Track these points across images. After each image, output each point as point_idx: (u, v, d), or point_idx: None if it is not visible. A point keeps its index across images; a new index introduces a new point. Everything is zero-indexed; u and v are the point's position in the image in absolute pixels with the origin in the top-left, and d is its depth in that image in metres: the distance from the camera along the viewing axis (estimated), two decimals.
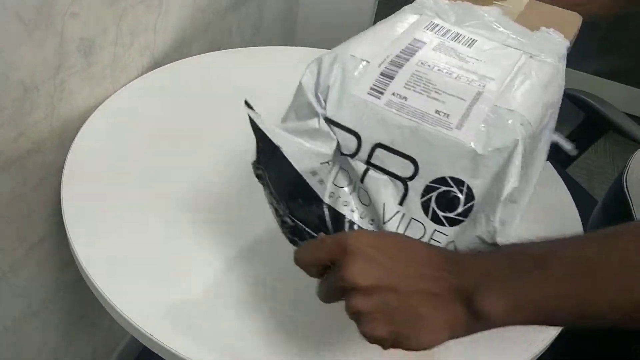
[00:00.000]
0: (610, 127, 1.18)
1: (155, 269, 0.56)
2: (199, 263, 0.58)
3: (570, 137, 1.29)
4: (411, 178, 0.42)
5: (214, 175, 0.69)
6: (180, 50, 0.95)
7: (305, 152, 0.43)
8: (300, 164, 0.42)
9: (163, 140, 0.73)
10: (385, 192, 0.43)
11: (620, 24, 2.19)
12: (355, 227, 0.44)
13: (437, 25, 0.50)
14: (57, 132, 0.70)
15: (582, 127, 1.27)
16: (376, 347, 0.37)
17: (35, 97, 0.64)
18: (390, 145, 0.42)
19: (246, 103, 0.44)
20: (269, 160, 0.44)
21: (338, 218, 0.44)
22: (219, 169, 0.70)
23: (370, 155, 0.43)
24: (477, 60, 0.46)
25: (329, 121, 0.43)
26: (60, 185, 0.64)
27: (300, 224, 0.45)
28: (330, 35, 1.65)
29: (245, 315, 0.53)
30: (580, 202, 0.73)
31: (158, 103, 0.79)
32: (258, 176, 0.47)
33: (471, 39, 0.49)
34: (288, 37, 1.59)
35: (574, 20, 0.58)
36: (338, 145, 0.44)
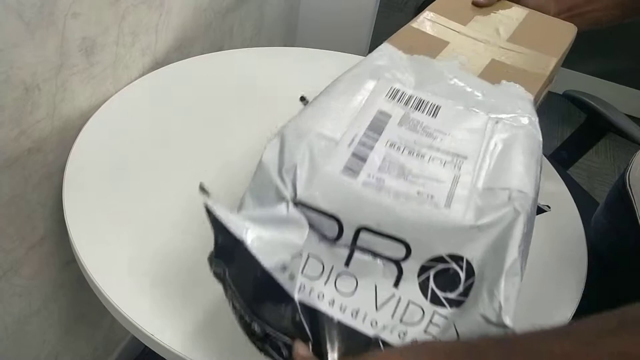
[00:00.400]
0: (611, 129, 1.18)
1: (156, 269, 0.56)
2: (201, 263, 0.58)
3: (571, 139, 1.29)
4: (404, 259, 0.38)
5: (216, 174, 0.69)
6: (181, 50, 0.95)
7: (273, 245, 0.38)
8: (268, 260, 0.37)
9: (164, 141, 0.73)
10: (375, 274, 0.39)
11: (621, 25, 2.19)
12: (335, 321, 0.38)
13: (398, 91, 0.47)
14: (58, 132, 0.70)
15: (583, 129, 1.27)
16: None
17: (36, 96, 0.64)
18: (377, 229, 0.37)
19: (201, 188, 0.40)
20: (230, 257, 0.39)
21: (315, 315, 0.38)
22: (221, 168, 0.70)
23: (355, 240, 0.38)
24: (445, 134, 0.43)
25: (301, 204, 0.38)
26: (61, 185, 0.64)
27: (271, 329, 0.38)
28: (331, 35, 1.65)
29: None
30: (580, 203, 0.73)
31: (159, 103, 0.79)
32: (216, 274, 0.41)
33: (435, 105, 0.46)
34: (289, 37, 1.59)
35: (569, 32, 0.58)
36: (310, 232, 0.39)
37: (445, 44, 0.55)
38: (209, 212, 0.39)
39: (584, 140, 1.28)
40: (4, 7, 0.55)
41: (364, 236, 0.38)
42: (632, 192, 0.68)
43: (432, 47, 0.54)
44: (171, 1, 0.85)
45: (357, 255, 0.39)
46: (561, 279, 0.61)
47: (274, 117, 0.82)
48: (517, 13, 0.62)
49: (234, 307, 0.41)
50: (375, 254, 0.38)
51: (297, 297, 0.38)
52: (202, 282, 0.56)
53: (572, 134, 1.29)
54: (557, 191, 0.77)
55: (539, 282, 0.57)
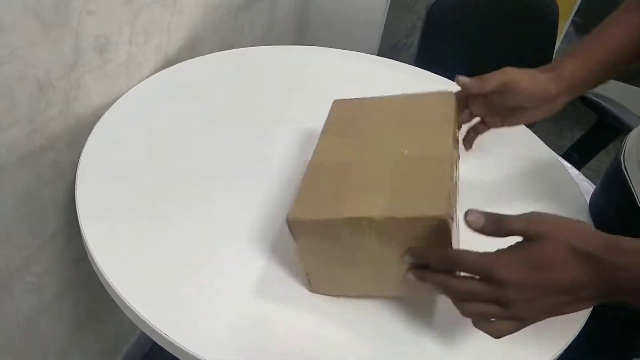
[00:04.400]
0: (624, 130, 1.17)
1: (168, 266, 0.56)
2: (212, 261, 0.58)
3: (582, 140, 1.28)
4: None
5: (227, 172, 0.69)
6: (192, 48, 0.95)
7: None
8: None
9: (176, 138, 0.73)
10: None
11: None
12: None
13: None
14: (71, 129, 0.70)
15: (594, 130, 1.26)
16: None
17: (50, 94, 0.64)
18: None
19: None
20: None
21: None
22: (232, 166, 0.70)
23: None
24: None
25: None
26: (72, 182, 0.64)
27: None
28: (341, 34, 1.65)
29: (260, 316, 0.53)
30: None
31: (171, 101, 0.79)
32: None
33: None
34: (299, 35, 1.59)
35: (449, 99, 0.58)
36: None
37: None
38: None
39: (596, 142, 1.27)
40: (20, 5, 0.55)
41: None
42: (628, 173, 0.68)
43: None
44: (183, 0, 0.85)
45: None
46: None
47: (286, 114, 0.82)
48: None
49: None
50: None
51: None
52: (215, 281, 0.56)
53: (583, 135, 1.28)
54: (570, 194, 0.77)
55: None
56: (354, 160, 0.54)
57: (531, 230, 0.43)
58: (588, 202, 0.75)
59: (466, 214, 0.45)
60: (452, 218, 0.45)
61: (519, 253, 0.43)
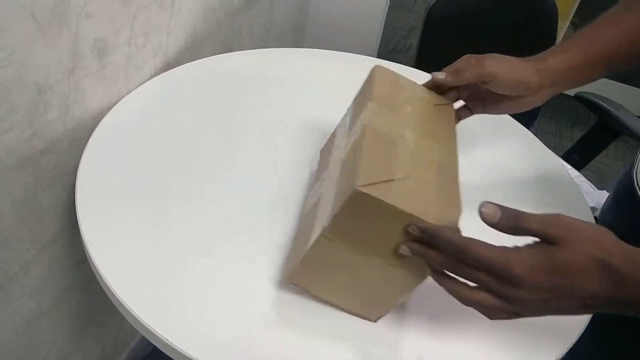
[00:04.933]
0: (624, 131, 1.17)
1: (168, 270, 0.56)
2: (212, 265, 0.58)
3: (582, 141, 1.28)
4: None
5: (227, 176, 0.69)
6: (192, 50, 0.95)
7: None
8: None
9: (176, 141, 0.73)
10: None
11: None
12: None
13: None
14: (70, 133, 0.70)
15: (594, 130, 1.26)
16: None
17: (49, 97, 0.64)
18: None
19: None
20: None
21: None
22: (231, 170, 0.70)
23: None
24: None
25: None
26: (72, 186, 0.64)
27: None
28: (340, 35, 1.65)
29: (260, 320, 0.53)
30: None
31: (171, 104, 0.79)
32: None
33: None
34: (298, 37, 1.59)
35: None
36: None
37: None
38: None
39: (596, 143, 1.27)
40: (18, 6, 0.55)
41: None
42: (639, 190, 0.68)
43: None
44: (182, 1, 0.85)
45: None
46: None
47: (286, 117, 0.82)
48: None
49: None
50: None
51: None
52: (213, 284, 0.56)
53: (584, 136, 1.28)
54: (569, 194, 0.76)
55: None
56: (400, 138, 0.52)
57: (551, 233, 0.42)
58: (589, 203, 0.75)
59: (481, 205, 0.44)
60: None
61: (539, 255, 0.42)
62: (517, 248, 0.43)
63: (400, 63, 1.03)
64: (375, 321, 0.54)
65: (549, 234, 0.42)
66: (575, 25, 2.30)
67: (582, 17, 2.24)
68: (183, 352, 0.49)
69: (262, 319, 0.53)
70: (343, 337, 0.53)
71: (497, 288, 0.43)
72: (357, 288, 0.52)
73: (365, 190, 0.44)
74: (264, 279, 0.57)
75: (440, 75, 0.60)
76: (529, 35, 1.28)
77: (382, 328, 0.54)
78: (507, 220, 0.43)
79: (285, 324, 0.53)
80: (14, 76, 0.58)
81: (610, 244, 0.42)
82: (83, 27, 0.65)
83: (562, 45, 0.62)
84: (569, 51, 0.61)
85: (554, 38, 1.30)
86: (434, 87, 0.61)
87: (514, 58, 0.60)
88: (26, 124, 0.62)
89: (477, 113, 0.65)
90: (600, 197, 1.17)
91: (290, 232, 0.62)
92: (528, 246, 0.43)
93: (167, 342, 0.50)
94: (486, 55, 0.59)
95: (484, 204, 0.44)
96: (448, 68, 0.60)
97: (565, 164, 1.20)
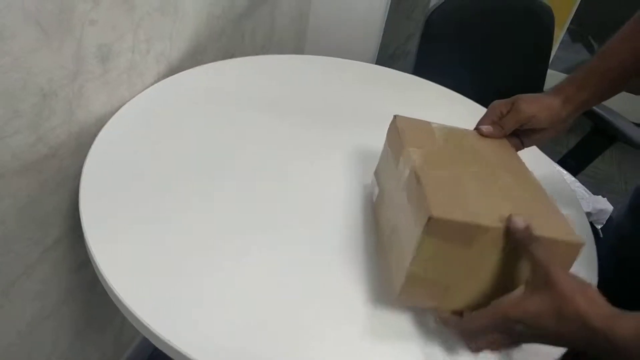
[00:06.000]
0: (619, 137, 1.18)
1: (170, 272, 0.57)
2: (215, 267, 0.58)
3: (578, 147, 1.29)
4: None
5: (229, 181, 0.70)
6: (194, 56, 0.96)
7: None
8: None
9: (179, 146, 0.74)
10: None
11: None
12: None
13: None
14: (74, 138, 0.71)
15: (590, 137, 1.27)
16: None
17: (53, 102, 0.65)
18: None
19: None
20: None
21: None
22: (234, 174, 0.71)
23: None
24: None
25: None
26: (75, 190, 0.65)
27: None
28: (340, 42, 1.66)
29: (262, 322, 0.54)
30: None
31: (174, 109, 0.80)
32: None
33: None
34: (299, 43, 1.60)
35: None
36: None
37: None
38: None
39: (592, 148, 1.28)
40: (23, 13, 0.56)
41: None
42: None
43: None
44: (185, 8, 0.86)
45: None
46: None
47: (286, 122, 0.83)
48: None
49: None
50: None
51: None
52: (216, 287, 0.56)
53: (579, 142, 1.30)
54: (566, 199, 0.77)
55: None
56: (457, 174, 0.54)
57: (544, 269, 0.45)
58: (584, 208, 0.76)
59: (510, 217, 0.47)
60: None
61: (536, 297, 0.45)
62: (507, 296, 0.47)
63: (399, 69, 1.04)
64: None
65: (541, 270, 0.46)
66: (572, 31, 2.32)
67: (579, 24, 2.26)
68: (185, 354, 0.50)
69: (265, 321, 0.54)
70: (342, 338, 0.54)
71: (498, 328, 0.47)
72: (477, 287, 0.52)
73: (438, 216, 0.46)
74: (267, 281, 0.57)
75: (487, 129, 0.65)
76: (526, 42, 1.30)
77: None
78: (525, 232, 0.47)
79: (288, 325, 0.54)
80: (19, 81, 0.59)
81: (595, 303, 0.44)
82: (87, 33, 0.66)
83: (582, 73, 0.66)
84: (589, 79, 0.65)
85: (551, 45, 1.32)
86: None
87: (540, 95, 0.66)
88: (31, 129, 0.63)
89: (517, 150, 0.68)
90: (596, 203, 1.18)
91: (292, 235, 0.63)
92: (519, 290, 0.47)
93: (170, 344, 0.51)
94: (517, 100, 0.65)
95: (513, 216, 0.48)
96: (486, 119, 0.66)
97: (561, 169, 1.21)
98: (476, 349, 0.50)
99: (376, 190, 0.67)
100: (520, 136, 0.67)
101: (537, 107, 0.64)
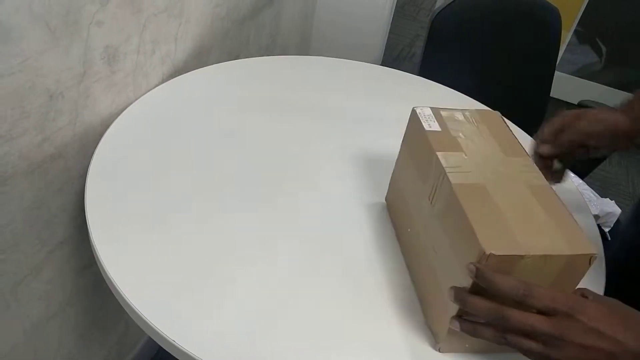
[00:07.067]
0: None
1: (176, 273, 0.57)
2: (220, 267, 0.58)
3: None
4: None
5: (235, 181, 0.70)
6: (199, 58, 0.96)
7: None
8: None
9: (184, 147, 0.74)
10: None
11: (636, 35, 2.18)
12: None
13: None
14: (79, 138, 0.71)
15: None
16: None
17: (60, 103, 0.65)
18: None
19: None
20: None
21: None
22: (240, 175, 0.71)
23: None
24: None
25: None
26: (81, 190, 0.65)
27: None
28: (345, 43, 1.66)
29: (266, 323, 0.54)
30: None
31: (179, 111, 0.80)
32: None
33: None
34: (303, 45, 1.60)
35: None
36: None
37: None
38: None
39: None
40: (31, 15, 0.56)
41: None
42: None
43: None
44: (190, 10, 0.87)
45: None
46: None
47: (292, 124, 0.83)
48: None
49: None
50: None
51: None
52: (221, 287, 0.56)
53: None
54: (573, 201, 0.77)
55: None
56: (486, 183, 0.52)
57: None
58: (592, 211, 0.76)
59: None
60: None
61: (605, 303, 0.44)
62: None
63: (405, 70, 1.04)
64: None
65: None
66: (579, 34, 2.31)
67: (586, 26, 2.25)
68: (191, 354, 0.50)
69: (270, 321, 0.54)
70: (343, 338, 0.54)
71: (552, 332, 0.43)
72: None
73: (494, 253, 0.43)
74: (271, 281, 0.58)
75: (546, 150, 0.64)
76: (533, 44, 1.29)
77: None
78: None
79: (293, 325, 0.54)
80: (26, 82, 0.59)
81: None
82: (94, 35, 0.66)
83: None
84: None
85: (558, 47, 1.31)
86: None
87: (605, 111, 0.63)
88: (38, 129, 0.63)
89: (568, 166, 0.67)
90: (603, 205, 1.17)
91: (294, 237, 0.63)
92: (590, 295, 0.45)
93: (175, 344, 0.51)
94: (581, 114, 0.63)
95: None
96: (547, 135, 0.64)
97: (568, 171, 1.20)
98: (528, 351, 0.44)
99: (392, 193, 0.67)
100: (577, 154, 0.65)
101: (601, 126, 0.62)
